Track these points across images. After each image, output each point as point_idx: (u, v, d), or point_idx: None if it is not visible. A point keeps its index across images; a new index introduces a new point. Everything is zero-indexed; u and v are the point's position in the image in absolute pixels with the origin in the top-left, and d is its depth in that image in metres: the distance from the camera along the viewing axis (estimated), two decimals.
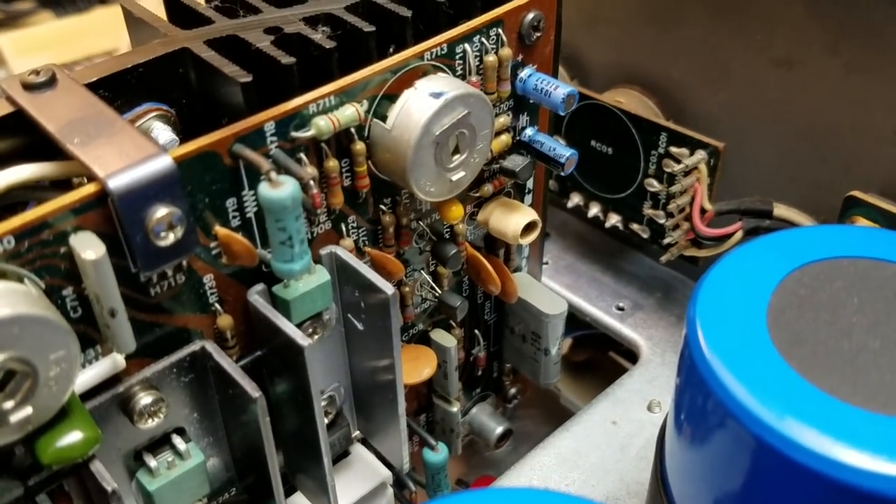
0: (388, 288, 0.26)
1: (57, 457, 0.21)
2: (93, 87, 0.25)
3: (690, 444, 0.25)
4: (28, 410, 0.20)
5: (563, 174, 0.31)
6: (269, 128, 0.24)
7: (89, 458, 0.22)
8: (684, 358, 0.24)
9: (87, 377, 0.23)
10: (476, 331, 0.37)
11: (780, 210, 0.34)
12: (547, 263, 0.44)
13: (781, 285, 0.24)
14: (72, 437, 0.21)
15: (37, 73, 0.24)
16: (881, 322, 0.23)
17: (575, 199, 0.41)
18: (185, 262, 0.24)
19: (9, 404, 0.20)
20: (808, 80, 0.34)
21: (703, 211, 0.35)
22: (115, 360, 0.23)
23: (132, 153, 0.21)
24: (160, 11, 0.29)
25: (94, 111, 0.23)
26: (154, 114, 0.26)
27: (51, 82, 0.24)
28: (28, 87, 0.24)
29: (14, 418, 0.20)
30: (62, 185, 0.25)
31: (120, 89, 0.26)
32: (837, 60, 0.33)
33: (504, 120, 0.30)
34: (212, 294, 0.25)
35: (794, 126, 0.35)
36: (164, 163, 0.21)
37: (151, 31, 0.28)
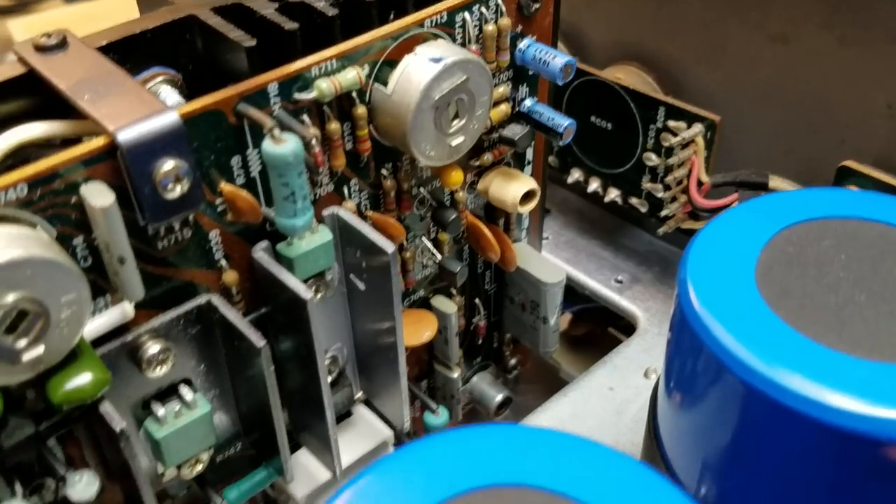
0: (389, 246, 0.27)
1: (67, 397, 0.22)
2: (102, 51, 0.26)
3: (683, 398, 0.25)
4: (40, 350, 0.21)
5: (561, 144, 0.31)
6: (273, 89, 0.25)
7: (98, 399, 0.23)
8: (676, 314, 0.25)
9: (96, 325, 0.24)
10: (476, 300, 0.38)
11: (776, 182, 0.35)
12: (547, 239, 0.45)
13: (770, 244, 0.25)
14: (82, 378, 0.22)
15: (48, 35, 0.25)
16: (867, 278, 0.24)
17: (575, 175, 0.42)
18: (191, 218, 0.25)
19: (22, 343, 0.21)
20: (802, 55, 0.35)
21: (699, 183, 0.36)
22: (124, 310, 0.24)
23: (141, 109, 0.22)
24: None
25: (104, 71, 0.24)
26: (161, 78, 0.27)
27: (62, 45, 0.25)
28: (40, 48, 0.25)
29: (27, 357, 0.21)
30: (72, 144, 0.26)
31: (129, 54, 0.27)
32: (831, 35, 0.33)
33: (503, 90, 0.31)
34: (217, 250, 0.26)
35: (789, 100, 0.36)
36: (171, 118, 0.22)
37: None
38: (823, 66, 0.34)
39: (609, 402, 0.36)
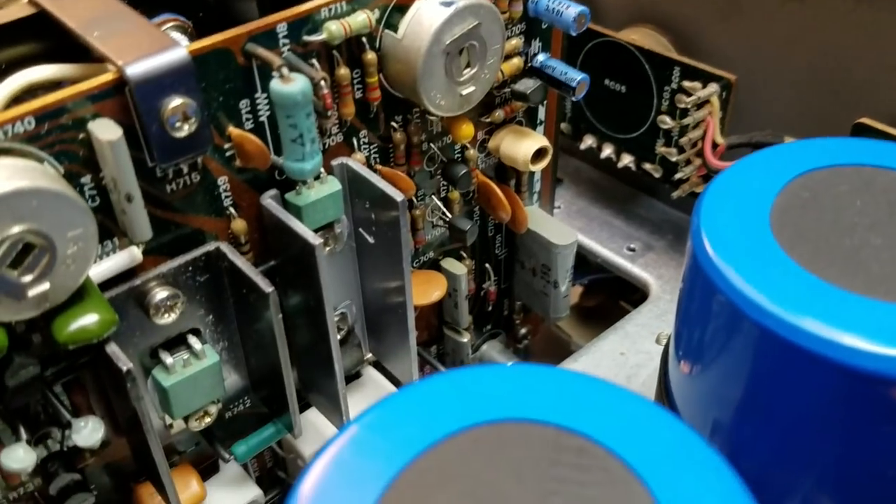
0: (398, 195, 0.26)
1: (73, 337, 0.22)
2: None
3: (696, 349, 0.25)
4: (45, 286, 0.21)
5: (574, 99, 0.31)
6: (282, 29, 0.24)
7: (105, 341, 0.23)
8: (689, 262, 0.24)
9: (104, 268, 0.24)
10: (487, 265, 0.38)
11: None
12: (559, 208, 0.44)
13: (785, 189, 0.24)
14: (88, 318, 0.22)
15: None
16: (883, 222, 0.23)
17: (588, 142, 0.41)
18: (199, 162, 0.25)
19: (27, 278, 0.21)
20: (818, 14, 0.34)
21: (714, 145, 0.36)
22: (132, 253, 0.24)
23: (150, 45, 0.22)
24: None
25: (114, 10, 0.24)
26: (171, 24, 0.27)
27: None
28: None
29: (32, 293, 0.21)
30: None
31: (139, 0, 0.27)
32: None
33: (516, 42, 0.30)
34: (226, 197, 0.26)
35: (804, 60, 0.35)
36: (179, 54, 0.22)
37: None
38: (839, 25, 0.34)
39: (620, 368, 0.36)
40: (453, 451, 0.18)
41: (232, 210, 0.26)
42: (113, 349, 0.23)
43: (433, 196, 0.33)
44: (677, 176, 0.37)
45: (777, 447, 0.23)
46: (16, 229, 0.20)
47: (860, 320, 0.20)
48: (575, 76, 0.30)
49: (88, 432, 0.24)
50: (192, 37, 0.27)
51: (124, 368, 0.22)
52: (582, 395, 0.20)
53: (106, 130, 0.21)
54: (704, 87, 0.35)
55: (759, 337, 0.21)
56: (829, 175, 0.25)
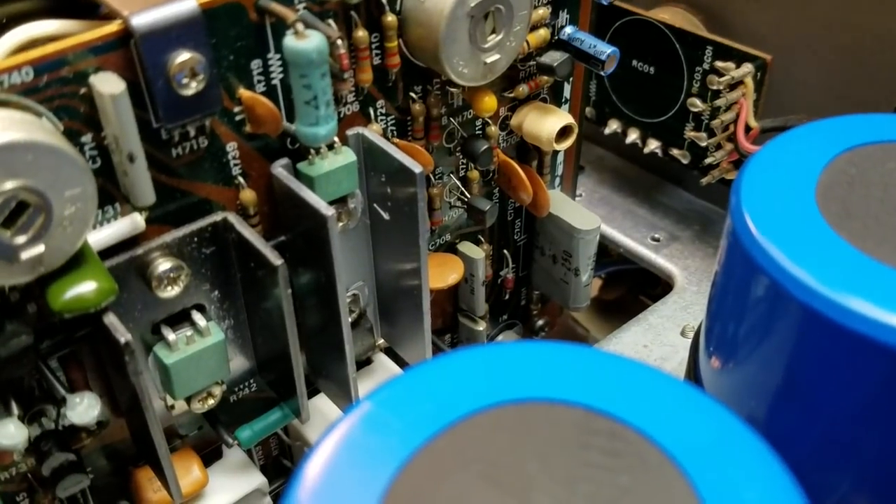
0: (416, 167, 0.25)
1: (69, 305, 0.21)
2: None
3: (734, 333, 0.23)
4: (40, 248, 0.20)
5: (603, 73, 0.29)
6: None
7: (103, 310, 0.22)
8: (728, 244, 0.23)
9: (104, 235, 0.23)
10: (505, 251, 0.36)
11: None
12: (581, 196, 0.43)
13: (830, 166, 0.23)
14: (85, 286, 0.21)
15: None
16: None
17: (613, 126, 0.40)
18: (207, 125, 0.23)
19: (20, 239, 0.19)
20: None
21: (747, 129, 0.34)
22: (134, 220, 0.23)
23: None
24: None
25: None
26: None
27: None
28: None
29: (25, 255, 0.19)
30: None
31: None
32: None
33: (543, 12, 0.29)
34: (235, 165, 0.25)
35: (841, 42, 0.34)
36: (189, 6, 0.21)
37: None
38: (878, 5, 0.32)
39: (643, 360, 0.34)
40: (473, 432, 0.17)
41: (241, 179, 0.25)
42: (111, 320, 0.22)
43: (451, 175, 0.31)
44: (707, 161, 0.36)
45: (820, 437, 0.21)
46: (9, 185, 0.19)
47: None
48: (604, 49, 0.29)
49: (84, 409, 0.23)
50: None
51: (122, 340, 0.21)
52: (613, 375, 0.18)
53: (108, 84, 0.20)
54: (738, 67, 0.33)
55: (804, 318, 0.20)
56: (876, 151, 0.23)
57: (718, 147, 0.35)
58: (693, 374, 0.27)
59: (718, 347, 0.25)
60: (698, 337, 0.27)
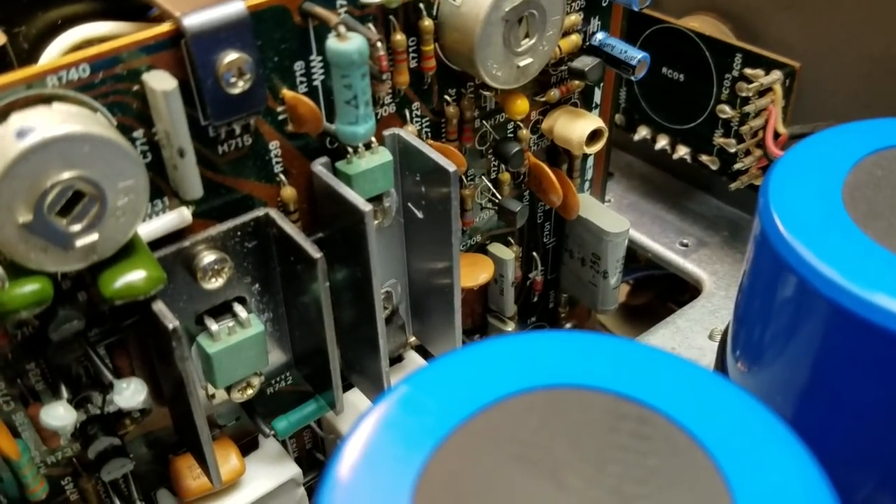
0: (451, 166, 0.26)
1: (120, 292, 0.21)
2: None
3: (762, 332, 0.24)
4: (94, 237, 0.21)
5: (633, 78, 0.30)
6: None
7: (151, 298, 0.22)
8: (756, 242, 0.23)
9: (153, 227, 0.23)
10: (534, 253, 0.37)
11: None
12: (609, 201, 0.43)
13: (857, 167, 0.23)
14: (136, 274, 0.22)
15: None
16: None
17: (642, 133, 0.40)
18: (252, 124, 0.24)
19: (76, 227, 0.20)
20: (886, 0, 0.33)
21: (776, 135, 0.34)
22: (182, 214, 0.24)
23: None
24: None
25: None
26: None
27: None
28: None
29: (80, 242, 0.20)
30: None
31: None
32: None
33: (575, 18, 0.30)
34: (277, 163, 0.26)
35: (871, 50, 0.34)
36: (237, 7, 0.22)
37: None
38: None
39: None
40: (506, 414, 0.17)
41: (282, 177, 0.26)
42: (160, 307, 0.22)
43: (483, 177, 0.32)
44: (735, 167, 0.36)
45: (847, 433, 0.22)
46: (66, 175, 0.20)
47: None
48: (635, 55, 0.30)
49: (130, 394, 0.24)
50: None
51: (170, 326, 0.22)
52: (643, 363, 0.19)
53: (161, 81, 0.21)
54: (767, 74, 0.34)
55: (831, 315, 0.20)
56: None
57: (747, 153, 0.36)
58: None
59: (746, 347, 0.25)
60: (725, 338, 0.27)
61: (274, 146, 0.25)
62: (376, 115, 0.27)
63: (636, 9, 0.28)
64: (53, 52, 0.24)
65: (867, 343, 0.20)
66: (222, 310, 0.26)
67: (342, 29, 0.22)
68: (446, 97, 0.29)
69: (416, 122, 0.28)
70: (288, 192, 0.26)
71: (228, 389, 0.27)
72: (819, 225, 0.22)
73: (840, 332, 0.20)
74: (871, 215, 0.22)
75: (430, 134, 0.29)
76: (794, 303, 0.22)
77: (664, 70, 0.38)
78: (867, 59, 0.34)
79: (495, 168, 0.32)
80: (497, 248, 0.34)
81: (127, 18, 0.25)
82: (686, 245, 0.40)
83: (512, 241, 0.35)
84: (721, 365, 0.27)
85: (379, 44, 0.24)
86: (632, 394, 0.18)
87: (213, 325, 0.25)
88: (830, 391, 0.22)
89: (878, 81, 0.34)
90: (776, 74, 0.34)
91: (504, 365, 0.18)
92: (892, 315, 0.19)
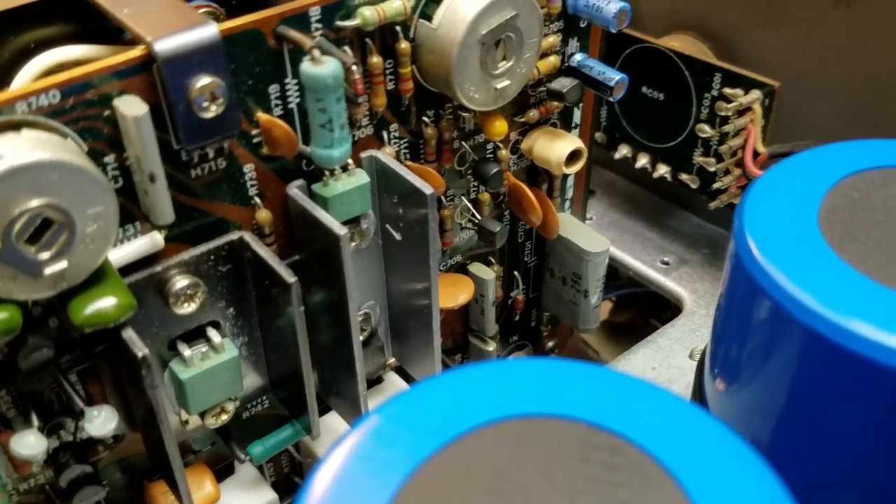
0: (428, 188, 0.26)
1: (89, 320, 0.21)
2: None
3: (737, 356, 0.24)
4: (63, 264, 0.20)
5: (612, 99, 0.30)
6: (315, 12, 0.24)
7: (122, 325, 0.22)
8: (731, 266, 0.23)
9: (124, 252, 0.23)
10: (515, 272, 0.37)
11: None
12: (591, 219, 0.43)
13: (833, 190, 0.23)
14: (105, 301, 0.21)
15: None
16: None
17: (623, 151, 0.40)
18: (226, 147, 0.24)
19: (44, 255, 0.20)
20: (867, 20, 0.33)
21: (755, 154, 0.34)
22: (153, 239, 0.24)
23: (179, 21, 0.22)
24: None
25: None
26: (204, 10, 0.26)
27: None
28: None
29: (48, 271, 0.20)
30: None
31: None
32: None
33: (553, 40, 0.30)
34: (252, 186, 0.25)
35: (852, 70, 0.34)
36: (210, 32, 0.21)
37: None
38: (889, 32, 0.32)
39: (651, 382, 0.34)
40: (478, 445, 0.17)
41: (257, 200, 0.26)
42: (129, 334, 0.22)
43: (462, 197, 0.32)
44: (715, 186, 0.36)
45: (823, 460, 0.21)
46: (34, 203, 0.19)
47: None
48: (613, 76, 0.30)
49: (101, 421, 0.24)
50: None
51: (140, 354, 0.22)
52: (615, 392, 0.18)
53: (131, 106, 0.21)
54: (746, 93, 0.34)
55: (806, 340, 0.20)
56: (880, 176, 0.24)
57: (727, 172, 0.36)
58: (698, 395, 0.27)
59: (722, 369, 0.25)
60: (703, 359, 0.27)
61: (248, 169, 0.25)
62: (353, 137, 0.27)
63: (613, 30, 0.28)
64: (26, 76, 0.24)
65: (842, 369, 0.20)
66: (196, 334, 0.26)
67: (316, 53, 0.22)
68: (424, 118, 0.28)
69: (394, 143, 0.28)
70: (263, 215, 0.26)
71: (202, 415, 0.27)
72: (794, 248, 0.22)
73: (814, 357, 0.20)
74: (847, 238, 0.22)
75: (408, 155, 0.29)
76: (769, 326, 0.22)
77: (644, 89, 0.38)
78: (847, 78, 0.34)
79: (475, 188, 0.32)
80: (478, 268, 0.34)
81: (101, 42, 0.25)
82: (667, 263, 0.40)
83: (493, 260, 0.35)
84: (699, 385, 0.27)
85: (354, 67, 0.24)
86: (604, 423, 0.18)
87: (186, 351, 0.25)
88: (805, 415, 0.22)
89: (857, 100, 0.34)
90: (755, 94, 0.34)
91: (477, 394, 0.18)
92: (867, 341, 0.19)
